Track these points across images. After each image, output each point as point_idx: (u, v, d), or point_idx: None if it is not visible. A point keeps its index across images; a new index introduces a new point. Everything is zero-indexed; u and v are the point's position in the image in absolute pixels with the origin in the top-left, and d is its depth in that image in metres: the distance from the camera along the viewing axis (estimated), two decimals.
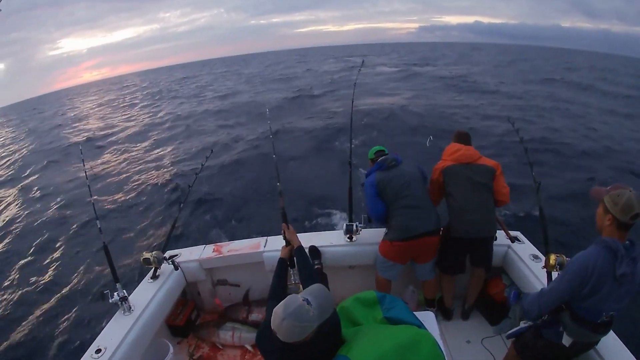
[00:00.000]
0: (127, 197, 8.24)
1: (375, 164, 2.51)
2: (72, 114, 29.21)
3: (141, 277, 2.63)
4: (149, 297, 2.35)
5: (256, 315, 2.75)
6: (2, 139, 22.66)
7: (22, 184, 10.93)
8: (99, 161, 11.74)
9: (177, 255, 2.74)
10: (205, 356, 2.60)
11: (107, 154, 12.68)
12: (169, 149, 11.93)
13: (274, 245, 2.69)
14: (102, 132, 16.70)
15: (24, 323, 4.59)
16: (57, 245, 6.58)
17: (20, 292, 5.31)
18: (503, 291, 2.46)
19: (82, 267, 5.58)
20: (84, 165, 2.77)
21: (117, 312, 2.20)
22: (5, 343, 4.27)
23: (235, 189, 7.69)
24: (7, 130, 28.14)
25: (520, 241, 2.60)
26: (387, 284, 2.56)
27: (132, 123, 18.67)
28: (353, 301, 1.67)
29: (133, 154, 12.30)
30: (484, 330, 2.63)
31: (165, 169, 9.84)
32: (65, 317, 4.56)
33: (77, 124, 22.26)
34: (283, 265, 1.94)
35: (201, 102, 21.72)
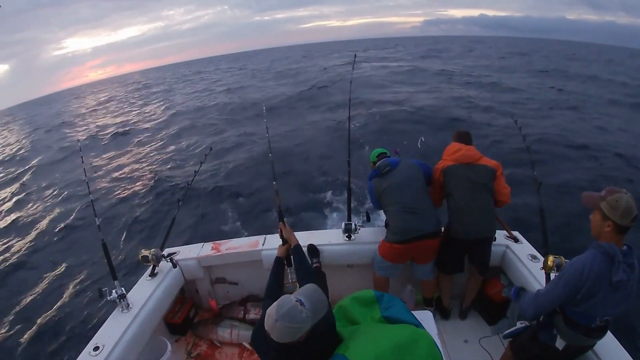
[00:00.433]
0: (126, 195, 8.28)
1: (374, 169, 2.54)
2: (77, 113, 29.44)
3: (139, 274, 2.64)
4: (147, 294, 2.36)
5: (254, 314, 2.76)
6: (6, 138, 22.93)
7: (22, 181, 11.08)
8: (99, 159, 11.81)
9: (175, 253, 2.74)
10: (204, 354, 2.61)
11: (108, 151, 12.73)
12: (170, 146, 11.93)
13: (272, 244, 2.68)
14: (104, 132, 16.74)
15: (21, 320, 4.63)
16: (55, 242, 6.65)
17: (17, 289, 5.37)
18: (501, 291, 2.45)
19: (80, 265, 5.62)
20: (82, 163, 2.78)
21: (115, 310, 2.21)
22: (2, 340, 4.32)
23: (235, 187, 7.68)
24: (13, 129, 28.48)
25: (518, 241, 2.58)
26: (385, 283, 2.56)
27: (136, 119, 18.75)
28: (351, 300, 1.66)
29: (134, 151, 12.35)
30: (481, 330, 2.63)
31: (165, 167, 9.86)
32: (63, 314, 4.60)
33: (80, 122, 22.43)
34: (279, 264, 1.93)
35: (205, 99, 21.67)
